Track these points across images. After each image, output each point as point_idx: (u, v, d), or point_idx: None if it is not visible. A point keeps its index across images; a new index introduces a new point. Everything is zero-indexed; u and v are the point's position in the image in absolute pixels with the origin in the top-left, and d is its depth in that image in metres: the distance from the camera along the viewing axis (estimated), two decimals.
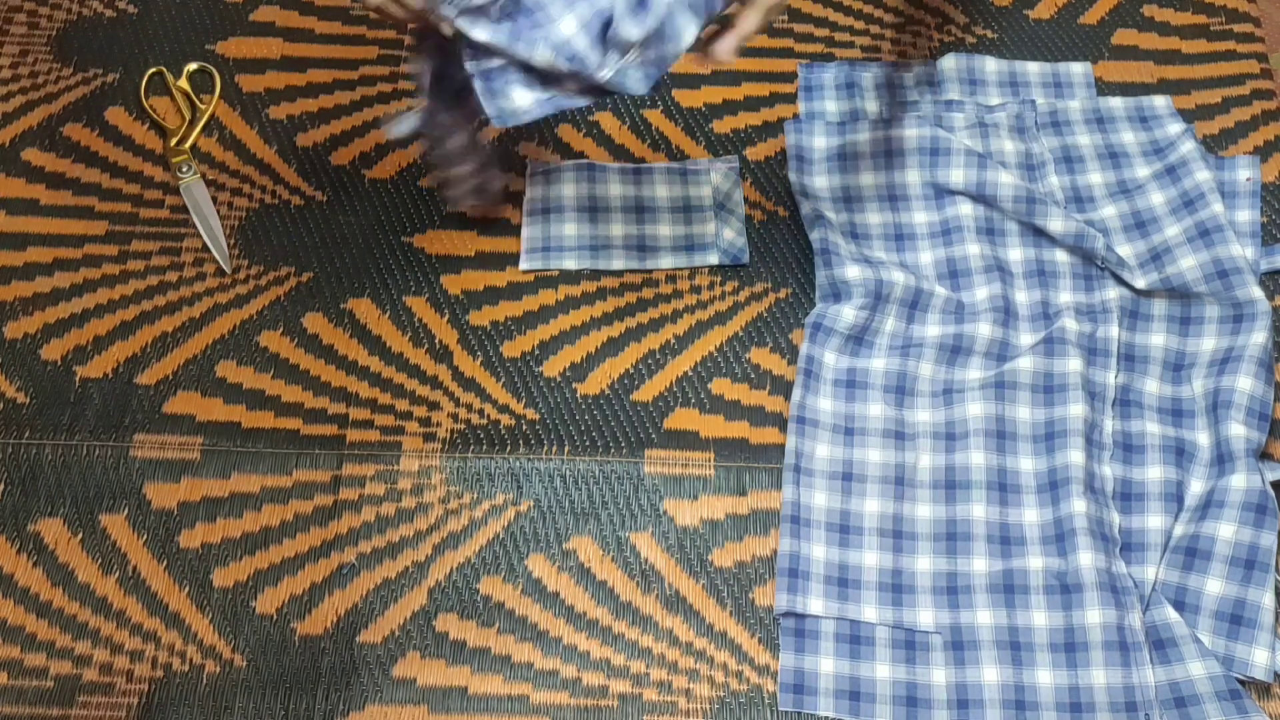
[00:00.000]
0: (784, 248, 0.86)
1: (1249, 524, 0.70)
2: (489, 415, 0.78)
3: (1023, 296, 0.81)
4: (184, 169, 0.86)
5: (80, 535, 0.74)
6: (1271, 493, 0.71)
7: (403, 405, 0.79)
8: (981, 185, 0.83)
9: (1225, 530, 0.70)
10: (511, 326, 0.82)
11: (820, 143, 0.89)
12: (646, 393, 0.80)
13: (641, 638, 0.71)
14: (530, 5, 0.68)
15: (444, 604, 0.72)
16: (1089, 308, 0.81)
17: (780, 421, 0.78)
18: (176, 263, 0.84)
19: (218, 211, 0.86)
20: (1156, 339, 0.80)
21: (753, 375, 0.80)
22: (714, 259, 0.84)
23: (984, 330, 0.79)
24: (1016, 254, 0.83)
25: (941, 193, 0.85)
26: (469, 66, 0.69)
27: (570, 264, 0.84)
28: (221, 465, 0.76)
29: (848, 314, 0.79)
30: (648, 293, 0.83)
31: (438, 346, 0.81)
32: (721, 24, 0.69)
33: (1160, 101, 0.90)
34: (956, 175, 0.84)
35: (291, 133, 0.90)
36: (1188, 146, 0.85)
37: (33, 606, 0.72)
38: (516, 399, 0.79)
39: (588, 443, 0.77)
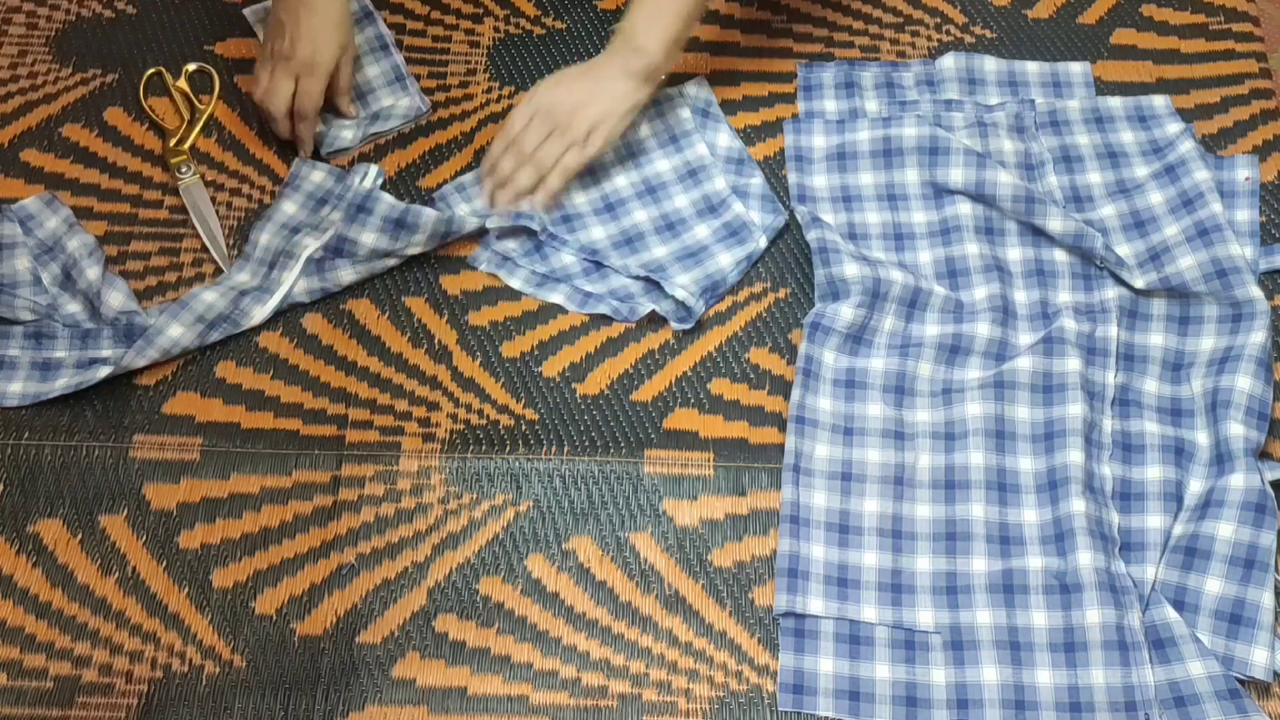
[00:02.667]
0: (783, 247, 0.85)
1: (1248, 523, 0.70)
2: (488, 415, 0.78)
3: (1022, 296, 0.81)
4: (183, 169, 0.86)
5: (79, 536, 0.74)
6: (1271, 492, 0.71)
7: (402, 406, 0.79)
8: (980, 185, 0.83)
9: (1225, 530, 0.70)
10: (510, 326, 0.82)
11: (819, 142, 0.89)
12: (646, 393, 0.80)
13: (641, 638, 0.71)
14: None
15: (443, 604, 0.72)
16: (1088, 307, 0.81)
17: (779, 421, 0.78)
18: (175, 263, 0.84)
19: (216, 212, 0.86)
20: (1155, 338, 0.80)
21: (752, 375, 0.80)
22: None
23: (983, 330, 0.79)
24: (1015, 254, 0.83)
25: (940, 192, 0.85)
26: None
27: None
28: (221, 466, 0.76)
29: (846, 313, 0.79)
30: None
31: (437, 347, 0.81)
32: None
33: (1159, 101, 0.90)
34: (956, 175, 0.84)
35: None
36: (1186, 146, 0.85)
37: (32, 607, 0.71)
38: (516, 399, 0.79)
39: (587, 443, 0.77)
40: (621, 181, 0.87)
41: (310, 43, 0.82)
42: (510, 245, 0.84)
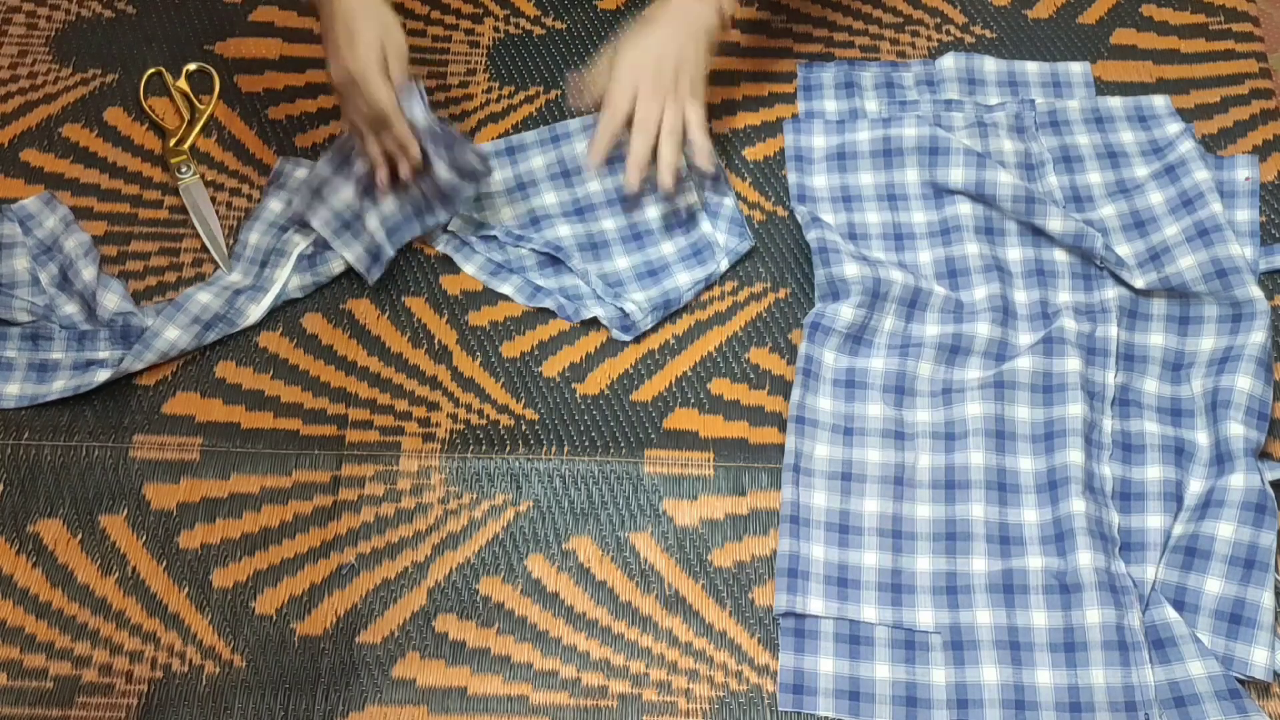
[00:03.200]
0: (784, 247, 0.86)
1: (1248, 523, 0.70)
2: (488, 415, 0.78)
3: (1022, 296, 0.81)
4: (183, 170, 0.86)
5: (79, 536, 0.74)
6: (1271, 492, 0.71)
7: (402, 405, 0.79)
8: (980, 185, 0.83)
9: (1224, 530, 0.70)
10: (511, 326, 0.82)
11: (819, 142, 0.89)
12: (646, 393, 0.80)
13: (641, 638, 0.71)
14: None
15: (443, 604, 0.72)
16: (1088, 307, 0.81)
17: (780, 421, 0.78)
18: (175, 263, 0.84)
19: (216, 212, 0.86)
20: (1155, 338, 0.80)
21: (752, 375, 0.80)
22: (725, 264, 0.84)
23: (983, 330, 0.79)
24: (1015, 253, 0.83)
25: (940, 192, 0.85)
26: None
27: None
28: (221, 466, 0.76)
29: (846, 313, 0.79)
30: None
31: (437, 347, 0.81)
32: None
33: (1159, 101, 0.90)
34: (956, 175, 0.84)
35: (290, 133, 0.90)
36: (1186, 146, 0.85)
37: (32, 607, 0.72)
38: (516, 399, 0.79)
39: (587, 443, 0.77)
40: (595, 186, 0.87)
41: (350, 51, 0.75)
42: (467, 230, 0.85)
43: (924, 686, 0.69)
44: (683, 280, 0.83)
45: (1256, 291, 0.78)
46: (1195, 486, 0.73)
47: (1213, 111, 0.91)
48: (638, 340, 0.81)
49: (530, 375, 0.80)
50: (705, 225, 0.85)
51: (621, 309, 0.81)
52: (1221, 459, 0.73)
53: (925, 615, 0.71)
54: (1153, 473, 0.74)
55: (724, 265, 0.84)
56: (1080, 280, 0.82)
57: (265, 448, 0.77)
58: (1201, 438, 0.75)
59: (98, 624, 0.71)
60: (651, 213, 0.86)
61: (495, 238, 0.84)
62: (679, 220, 0.86)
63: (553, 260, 0.84)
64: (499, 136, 0.90)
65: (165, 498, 0.75)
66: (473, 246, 0.84)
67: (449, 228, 0.85)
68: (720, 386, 0.80)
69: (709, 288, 0.83)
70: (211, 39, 0.95)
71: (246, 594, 0.72)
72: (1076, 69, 0.93)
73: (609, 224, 0.86)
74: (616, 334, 0.81)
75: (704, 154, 0.82)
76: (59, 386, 0.77)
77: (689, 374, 0.80)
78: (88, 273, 0.81)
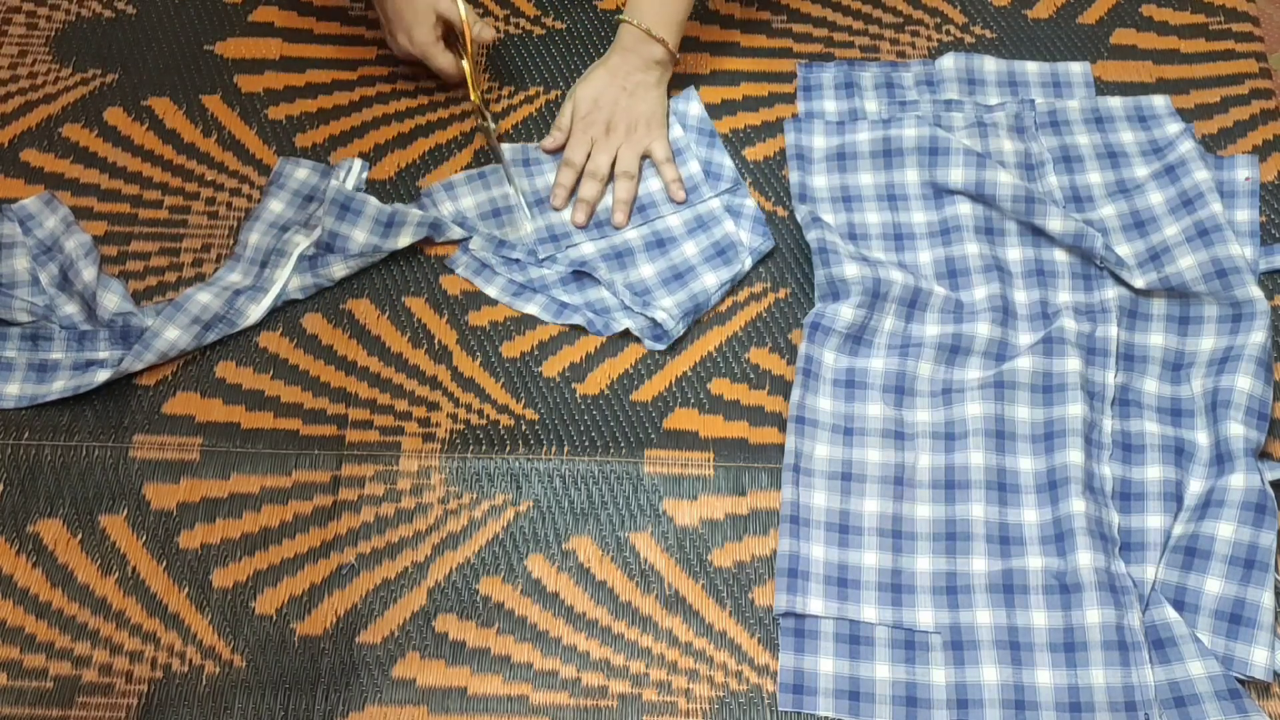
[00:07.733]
0: (784, 247, 0.86)
1: (1248, 523, 0.70)
2: (488, 415, 0.78)
3: (1022, 296, 0.81)
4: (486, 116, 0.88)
5: (79, 536, 0.74)
6: (1271, 492, 0.71)
7: (402, 405, 0.79)
8: (980, 185, 0.83)
9: (1224, 530, 0.70)
10: (511, 326, 0.82)
11: (819, 142, 0.89)
12: (646, 393, 0.80)
13: (641, 638, 0.71)
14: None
15: (443, 604, 0.72)
16: (1088, 307, 0.81)
17: (780, 421, 0.78)
18: (175, 263, 0.84)
19: (217, 212, 0.85)
20: (1155, 338, 0.80)
21: (752, 375, 0.80)
22: (749, 263, 0.84)
23: (983, 330, 0.79)
24: (1015, 254, 0.83)
25: (940, 192, 0.85)
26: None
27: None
28: (221, 466, 0.76)
29: (846, 313, 0.79)
30: None
31: (437, 347, 0.81)
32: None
33: (1159, 101, 0.90)
34: (956, 175, 0.84)
35: (290, 133, 0.90)
36: (1186, 146, 0.85)
37: (32, 607, 0.72)
38: (516, 399, 0.79)
39: (587, 443, 0.77)
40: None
41: (405, 33, 0.86)
42: (488, 251, 0.84)
43: (924, 686, 0.69)
44: (709, 281, 0.83)
45: (1256, 291, 0.78)
46: (1195, 486, 0.73)
47: (1213, 111, 0.91)
48: (638, 340, 0.81)
49: (530, 375, 0.80)
50: (728, 224, 0.85)
51: (652, 318, 0.81)
52: (1221, 459, 0.73)
53: (925, 615, 0.71)
54: (1153, 473, 0.74)
55: (748, 264, 0.84)
56: (1080, 280, 0.82)
57: (265, 448, 0.77)
58: (1201, 438, 0.75)
59: (98, 624, 0.71)
60: (673, 220, 0.86)
61: (517, 260, 0.84)
62: (700, 222, 0.86)
63: (577, 275, 0.84)
64: (502, 137, 0.90)
65: (165, 498, 0.75)
66: (493, 269, 0.84)
67: (469, 248, 0.84)
68: (720, 386, 0.80)
69: (733, 290, 0.83)
70: (211, 39, 0.95)
71: (246, 594, 0.72)
72: (1076, 69, 0.93)
73: (631, 233, 0.86)
74: (649, 344, 0.81)
75: (676, 184, 0.87)
76: (59, 386, 0.77)
77: (689, 374, 0.80)
78: (88, 273, 0.81)
